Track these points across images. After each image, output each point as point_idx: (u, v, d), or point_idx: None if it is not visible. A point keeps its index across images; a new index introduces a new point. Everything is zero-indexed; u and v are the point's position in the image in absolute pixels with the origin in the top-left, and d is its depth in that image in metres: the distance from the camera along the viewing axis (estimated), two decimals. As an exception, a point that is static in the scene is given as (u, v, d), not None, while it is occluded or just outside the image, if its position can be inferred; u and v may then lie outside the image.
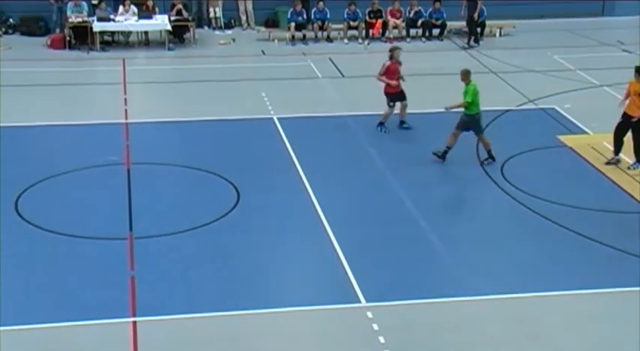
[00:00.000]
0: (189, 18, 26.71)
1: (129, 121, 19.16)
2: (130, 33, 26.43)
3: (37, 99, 20.75)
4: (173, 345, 11.31)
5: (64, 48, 25.42)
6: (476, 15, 26.57)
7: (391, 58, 18.53)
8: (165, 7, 26.98)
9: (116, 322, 11.67)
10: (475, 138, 17.05)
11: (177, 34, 26.48)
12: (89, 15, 25.79)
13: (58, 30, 26.37)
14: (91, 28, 25.23)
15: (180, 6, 26.46)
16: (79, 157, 17.04)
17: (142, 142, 17.91)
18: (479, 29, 27.00)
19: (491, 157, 16.96)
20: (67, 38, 25.54)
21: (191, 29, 26.65)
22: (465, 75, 16.84)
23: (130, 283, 12.60)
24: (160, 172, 16.60)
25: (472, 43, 26.57)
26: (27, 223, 14.40)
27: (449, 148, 16.89)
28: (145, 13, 26.02)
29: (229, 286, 12.52)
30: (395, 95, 18.58)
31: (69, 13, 25.73)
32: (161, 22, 25.86)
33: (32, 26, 26.91)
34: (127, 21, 25.78)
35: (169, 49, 25.74)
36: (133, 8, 25.88)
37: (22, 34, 26.82)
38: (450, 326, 11.70)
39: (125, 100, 20.58)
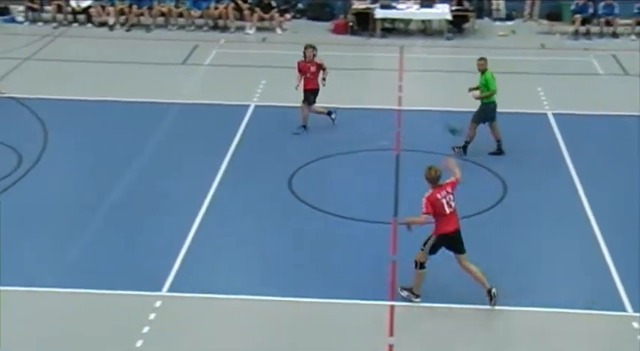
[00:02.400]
0: (470, 8, 26.60)
1: (402, 107, 19.43)
2: (410, 21, 26.73)
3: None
4: (429, 333, 11.40)
5: (347, 33, 26.14)
6: None
7: None
8: (448, -4, 26.98)
9: (374, 304, 11.94)
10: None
11: (457, 24, 26.45)
12: (372, 2, 26.34)
13: (342, 16, 27.17)
14: (373, 14, 25.80)
15: (463, -4, 26.44)
16: (352, 140, 17.50)
17: (413, 129, 18.10)
18: None
19: (499, 149, 16.46)
20: (350, 24, 26.27)
21: (471, 19, 26.53)
22: (484, 63, 16.31)
23: (390, 268, 12.82)
24: (428, 161, 16.65)
25: None
26: (299, 200, 15.01)
27: (467, 142, 16.59)
28: (426, 1, 26.22)
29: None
30: None
31: (353, -1, 26.49)
32: (442, 11, 25.96)
33: (318, 11, 27.90)
34: (408, 9, 26.12)
35: (447, 38, 25.78)
36: (416, -4, 26.19)
37: (309, 18, 27.88)
38: None
39: (400, 87, 20.87)
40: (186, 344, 11.19)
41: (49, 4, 26.47)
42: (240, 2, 26.37)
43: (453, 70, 22.70)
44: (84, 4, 26.48)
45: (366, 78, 22.17)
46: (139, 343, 11.07)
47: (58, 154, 16.90)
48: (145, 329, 11.34)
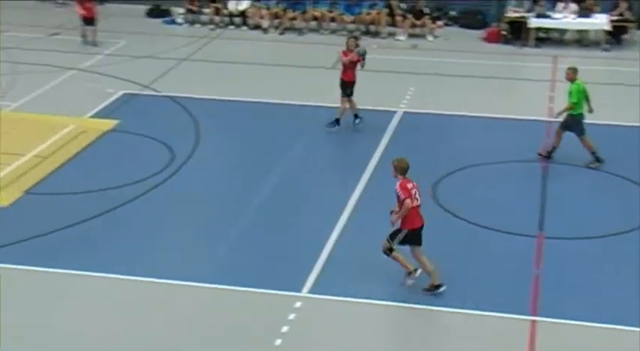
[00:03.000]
0: (632, 18, 25.72)
1: (552, 119, 18.98)
2: (565, 30, 26.10)
3: (466, 90, 21.33)
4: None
5: (499, 42, 25.77)
6: None
7: None
8: (607, 6, 26.14)
9: (515, 318, 11.72)
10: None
11: (615, 35, 25.64)
12: (527, 11, 25.87)
13: (495, 24, 26.81)
14: (528, 23, 25.33)
15: (624, 6, 25.56)
16: (498, 150, 17.26)
17: (564, 142, 17.65)
18: None
19: (597, 159, 15.85)
20: (503, 32, 25.89)
21: (630, 30, 25.66)
22: (573, 73, 15.77)
23: (533, 282, 12.57)
24: (575, 174, 16.31)
25: None
26: (442, 208, 14.92)
27: (554, 147, 16.41)
28: (584, 11, 25.53)
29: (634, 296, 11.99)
30: None
31: (509, 7, 26.05)
32: (600, 21, 25.23)
33: (471, 19, 27.62)
34: (564, 19, 25.51)
35: (604, 49, 25.03)
36: (573, 6, 25.52)
37: (461, 26, 27.62)
38: None
39: (551, 98, 20.42)
40: (324, 346, 11.29)
41: (208, 7, 27.26)
42: (394, 8, 26.40)
43: (609, 82, 22.01)
44: (241, 7, 27.13)
45: (516, 88, 21.80)
46: (278, 342, 11.25)
47: (208, 153, 17.37)
48: (284, 329, 11.51)
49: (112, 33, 25.49)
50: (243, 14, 27.08)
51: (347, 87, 18.20)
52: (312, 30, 26.71)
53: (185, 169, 16.50)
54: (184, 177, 16.20)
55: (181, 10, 27.58)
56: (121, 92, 20.60)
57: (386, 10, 26.46)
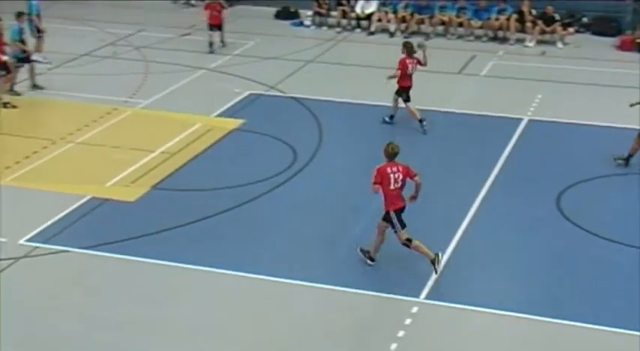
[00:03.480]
0: None
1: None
2: None
3: (596, 99, 20.78)
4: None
5: (633, 50, 24.97)
6: None
7: None
8: None
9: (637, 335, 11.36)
10: None
11: None
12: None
13: (630, 31, 26.02)
14: (664, 32, 24.51)
15: None
16: (631, 161, 16.73)
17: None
18: None
19: None
20: (638, 40, 25.07)
21: None
22: None
23: (659, 298, 12.15)
24: None
25: None
26: (566, 219, 14.57)
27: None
28: None
29: None
30: None
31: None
32: None
33: (604, 26, 26.87)
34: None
35: None
36: None
37: (594, 33, 26.91)
38: None
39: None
40: (439, 353, 11.21)
41: (335, 10, 27.43)
42: (526, 13, 25.94)
43: None
44: (368, 11, 27.19)
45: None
46: (393, 347, 11.21)
47: (331, 154, 17.47)
48: (400, 333, 11.46)
49: (240, 34, 25.95)
50: (369, 17, 27.13)
51: (404, 92, 18.47)
52: (438, 35, 26.54)
53: (307, 170, 16.64)
54: (306, 178, 16.34)
55: (309, 13, 27.84)
56: (248, 92, 20.93)
57: (515, 16, 26.04)
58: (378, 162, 16.58)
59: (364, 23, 27.28)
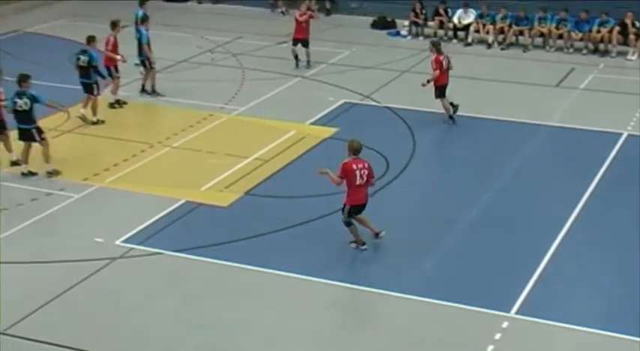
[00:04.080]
0: None
1: None
2: None
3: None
4: None
5: None
6: None
7: None
8: None
9: None
10: None
11: None
12: None
13: None
14: None
15: None
16: None
17: None
18: None
19: None
20: None
21: None
22: None
23: None
24: None
25: None
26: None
27: None
28: None
29: None
30: None
31: None
32: None
33: None
34: None
35: None
36: None
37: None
38: None
39: None
40: (529, 369, 11.03)
41: (432, 20, 27.30)
42: (629, 26, 25.34)
43: None
44: (465, 22, 26.98)
45: None
46: (482, 360, 11.09)
47: (423, 165, 17.38)
48: (489, 348, 11.32)
49: (336, 43, 26.06)
50: (467, 28, 26.91)
51: (442, 90, 19.34)
52: (537, 46, 26.14)
53: (399, 180, 16.58)
54: (398, 187, 16.28)
55: (406, 23, 27.77)
56: (342, 101, 20.99)
57: (618, 28, 25.45)
58: (473, 174, 16.51)
59: (461, 34, 27.07)
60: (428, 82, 19.13)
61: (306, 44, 23.50)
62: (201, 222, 15.01)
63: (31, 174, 16.68)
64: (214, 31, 27.31)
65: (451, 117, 19.27)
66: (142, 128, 19.53)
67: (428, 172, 17.09)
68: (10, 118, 16.81)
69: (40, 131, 16.78)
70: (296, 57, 23.56)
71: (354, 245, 13.89)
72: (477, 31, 26.76)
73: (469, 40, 26.79)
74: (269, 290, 12.87)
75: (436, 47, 19.40)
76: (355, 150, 13.56)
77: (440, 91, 19.34)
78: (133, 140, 18.43)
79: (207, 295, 12.69)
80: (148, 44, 21.07)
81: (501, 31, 26.51)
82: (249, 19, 29.34)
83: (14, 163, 17.02)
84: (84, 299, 12.58)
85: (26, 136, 16.70)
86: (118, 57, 20.22)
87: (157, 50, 21.71)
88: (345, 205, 13.70)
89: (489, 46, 26.35)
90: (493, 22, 26.61)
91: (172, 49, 24.82)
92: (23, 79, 16.70)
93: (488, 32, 26.52)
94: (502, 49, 26.12)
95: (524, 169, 16.99)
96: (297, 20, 23.56)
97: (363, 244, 13.85)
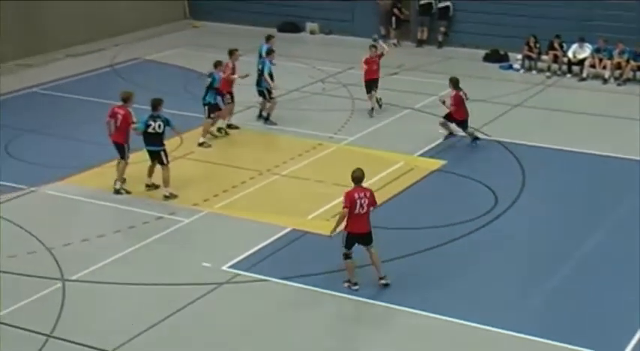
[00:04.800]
0: None
1: None
2: None
3: None
4: None
5: None
6: None
7: None
8: None
9: None
10: None
11: None
12: None
13: None
14: None
15: None
16: None
17: None
18: None
19: None
20: None
21: None
22: None
23: None
24: None
25: None
26: None
27: None
28: None
29: None
30: None
31: None
32: None
33: None
34: None
35: None
36: None
37: None
38: None
39: None
40: None
41: (546, 54, 26.92)
42: None
43: None
44: (580, 56, 26.50)
45: None
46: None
47: (532, 200, 17.09)
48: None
49: (447, 75, 25.89)
50: (582, 63, 26.43)
51: (463, 123, 19.95)
52: (655, 82, 25.49)
53: (508, 214, 16.35)
54: (506, 222, 16.06)
55: (519, 56, 27.46)
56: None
57: None
58: (583, 211, 16.18)
59: (576, 68, 26.58)
60: (443, 103, 20.00)
61: (376, 84, 22.48)
62: (307, 250, 15.10)
63: (155, 187, 17.43)
64: (326, 62, 27.60)
65: (475, 138, 20.02)
66: (252, 155, 19.81)
67: (538, 207, 16.77)
68: (135, 139, 17.32)
69: (167, 154, 17.28)
70: (372, 109, 22.41)
71: (346, 284, 13.64)
72: (593, 65, 26.23)
73: (584, 74, 26.29)
74: (374, 321, 12.85)
75: (452, 83, 19.89)
76: (357, 179, 13.52)
77: (462, 125, 20.02)
78: (243, 167, 18.73)
79: (309, 324, 12.73)
80: (271, 75, 21.43)
81: (618, 66, 25.93)
82: (361, 49, 29.44)
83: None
84: (190, 323, 12.79)
85: (155, 157, 17.24)
86: (235, 76, 20.69)
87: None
88: (343, 234, 13.57)
89: (605, 81, 25.79)
90: (610, 57, 26.05)
91: (285, 78, 25.11)
92: (158, 103, 17.29)
93: (605, 67, 25.95)
94: (618, 84, 25.54)
95: (635, 208, 16.50)
96: (369, 62, 22.32)
97: (355, 284, 13.58)
